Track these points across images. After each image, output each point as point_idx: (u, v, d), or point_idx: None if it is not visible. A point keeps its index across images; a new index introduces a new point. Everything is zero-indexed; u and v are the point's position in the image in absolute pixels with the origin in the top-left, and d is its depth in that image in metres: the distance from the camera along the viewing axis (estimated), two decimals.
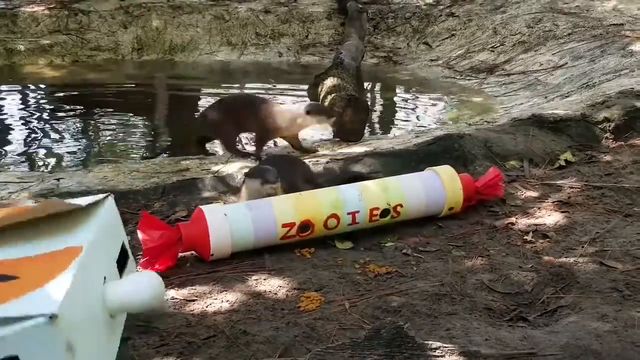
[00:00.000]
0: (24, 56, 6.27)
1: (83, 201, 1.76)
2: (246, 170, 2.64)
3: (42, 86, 5.80)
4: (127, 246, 1.88)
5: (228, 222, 2.20)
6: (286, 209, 2.28)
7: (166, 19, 6.67)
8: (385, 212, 2.40)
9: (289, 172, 2.53)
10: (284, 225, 2.26)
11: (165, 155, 3.92)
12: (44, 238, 1.60)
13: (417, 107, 5.30)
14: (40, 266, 1.48)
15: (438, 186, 2.49)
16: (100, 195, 1.80)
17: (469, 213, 2.58)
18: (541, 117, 3.29)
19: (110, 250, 1.75)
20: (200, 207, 2.25)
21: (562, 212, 2.56)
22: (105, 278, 1.60)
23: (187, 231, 2.19)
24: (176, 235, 2.18)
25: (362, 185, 2.44)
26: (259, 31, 6.75)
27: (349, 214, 2.34)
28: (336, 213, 2.32)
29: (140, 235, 2.15)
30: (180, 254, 2.22)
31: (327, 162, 2.90)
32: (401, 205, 2.42)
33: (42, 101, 5.39)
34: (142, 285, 1.60)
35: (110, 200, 1.81)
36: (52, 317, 1.29)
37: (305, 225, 2.29)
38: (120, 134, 4.46)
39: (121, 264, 1.79)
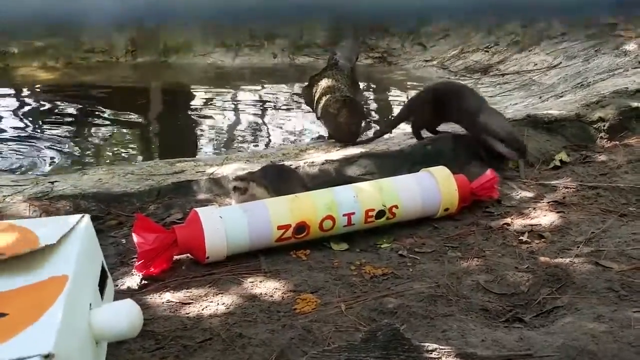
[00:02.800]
0: (17, 58, 6.26)
1: (58, 227, 1.71)
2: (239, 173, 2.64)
3: (36, 88, 5.78)
4: (105, 265, 1.86)
5: (223, 224, 2.19)
6: (281, 211, 2.28)
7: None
8: (380, 214, 2.40)
9: (278, 181, 2.53)
10: (279, 227, 2.25)
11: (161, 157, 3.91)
12: (23, 267, 1.56)
13: None
14: (27, 300, 1.45)
15: (433, 187, 2.49)
16: (77, 216, 1.78)
17: (465, 214, 2.58)
18: (536, 117, 3.30)
19: (92, 274, 1.73)
20: (196, 209, 2.25)
21: (558, 212, 2.56)
22: (90, 305, 1.59)
23: (183, 234, 2.18)
24: (171, 238, 2.17)
25: (358, 186, 2.44)
26: (253, 33, 6.74)
27: (344, 215, 2.34)
28: (332, 215, 2.32)
29: (135, 238, 2.15)
30: (175, 257, 2.22)
31: (323, 164, 2.90)
32: (397, 207, 2.42)
33: (35, 103, 5.38)
34: (122, 315, 1.58)
35: (87, 220, 1.78)
36: (48, 357, 1.28)
37: (301, 227, 2.28)
38: (115, 136, 4.45)
39: (102, 285, 1.77)
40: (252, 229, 2.23)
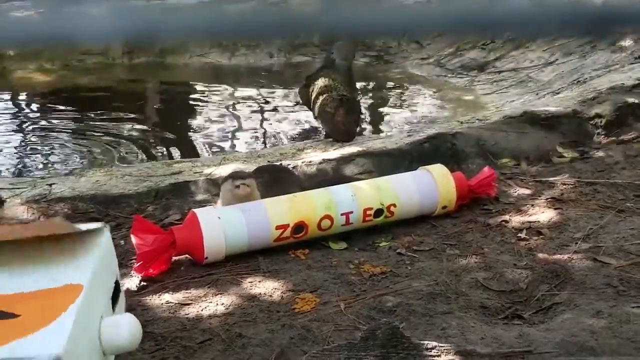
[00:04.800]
0: (13, 61, 6.24)
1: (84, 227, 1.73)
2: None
3: (33, 91, 5.77)
4: (120, 280, 1.86)
5: (222, 225, 2.19)
6: (280, 211, 2.28)
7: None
8: (378, 212, 2.40)
9: (276, 181, 2.52)
10: (277, 227, 2.25)
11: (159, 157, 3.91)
12: (39, 270, 1.57)
13: (409, 106, 5.30)
14: (39, 304, 1.46)
15: (431, 185, 2.49)
16: (97, 224, 1.77)
17: (463, 211, 2.58)
18: (533, 113, 3.30)
19: (106, 286, 1.72)
20: (194, 210, 2.25)
21: (556, 208, 2.56)
22: (102, 317, 1.59)
23: (181, 235, 2.18)
24: (170, 239, 2.17)
25: (356, 185, 2.44)
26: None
27: (342, 214, 2.34)
28: (330, 214, 2.32)
29: (133, 239, 2.15)
30: (174, 258, 2.22)
31: (320, 163, 2.90)
32: (395, 205, 2.42)
33: (32, 106, 5.37)
34: (124, 329, 1.57)
35: (106, 231, 1.78)
36: (57, 359, 1.29)
37: (299, 227, 2.28)
38: (112, 138, 4.45)
39: (114, 298, 1.77)
40: (251, 229, 2.23)
